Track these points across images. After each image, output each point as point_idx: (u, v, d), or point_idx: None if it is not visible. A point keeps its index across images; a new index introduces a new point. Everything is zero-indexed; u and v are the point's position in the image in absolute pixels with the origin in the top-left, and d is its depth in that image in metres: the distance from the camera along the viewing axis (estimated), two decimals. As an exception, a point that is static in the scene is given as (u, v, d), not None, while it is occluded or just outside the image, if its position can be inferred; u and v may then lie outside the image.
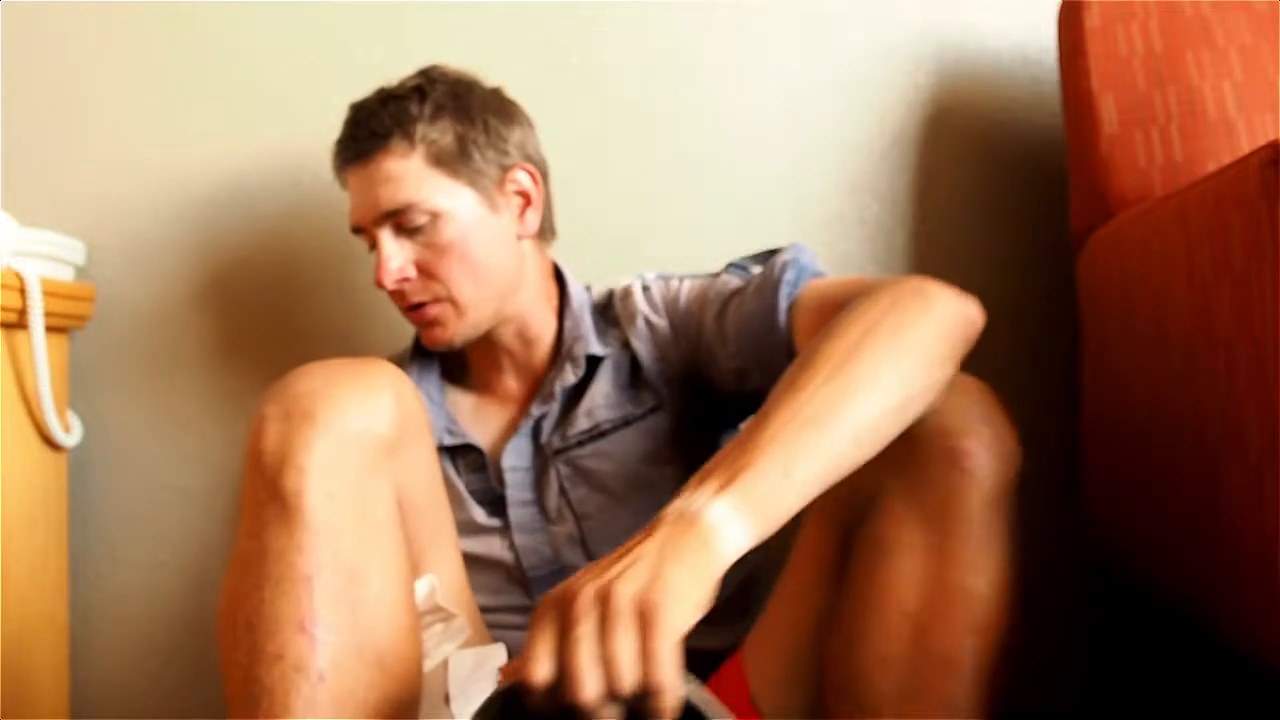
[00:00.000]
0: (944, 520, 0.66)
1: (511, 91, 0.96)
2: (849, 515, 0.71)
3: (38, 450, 1.05)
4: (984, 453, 0.66)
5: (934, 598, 0.66)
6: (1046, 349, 1.15)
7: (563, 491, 0.89)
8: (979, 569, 0.66)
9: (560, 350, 0.93)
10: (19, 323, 1.00)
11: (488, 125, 0.90)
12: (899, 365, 0.63)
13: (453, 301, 0.88)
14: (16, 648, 1.00)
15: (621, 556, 0.54)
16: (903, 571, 0.67)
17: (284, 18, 1.16)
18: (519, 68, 1.13)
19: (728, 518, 0.56)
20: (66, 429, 1.08)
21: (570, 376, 0.90)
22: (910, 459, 0.67)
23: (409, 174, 0.86)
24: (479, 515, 0.90)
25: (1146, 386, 0.82)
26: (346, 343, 1.15)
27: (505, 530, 0.89)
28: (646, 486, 0.88)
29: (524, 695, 0.51)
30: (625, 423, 0.89)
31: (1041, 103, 1.16)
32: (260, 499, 0.64)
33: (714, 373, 0.88)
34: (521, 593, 0.89)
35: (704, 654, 0.72)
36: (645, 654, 0.50)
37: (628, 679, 0.49)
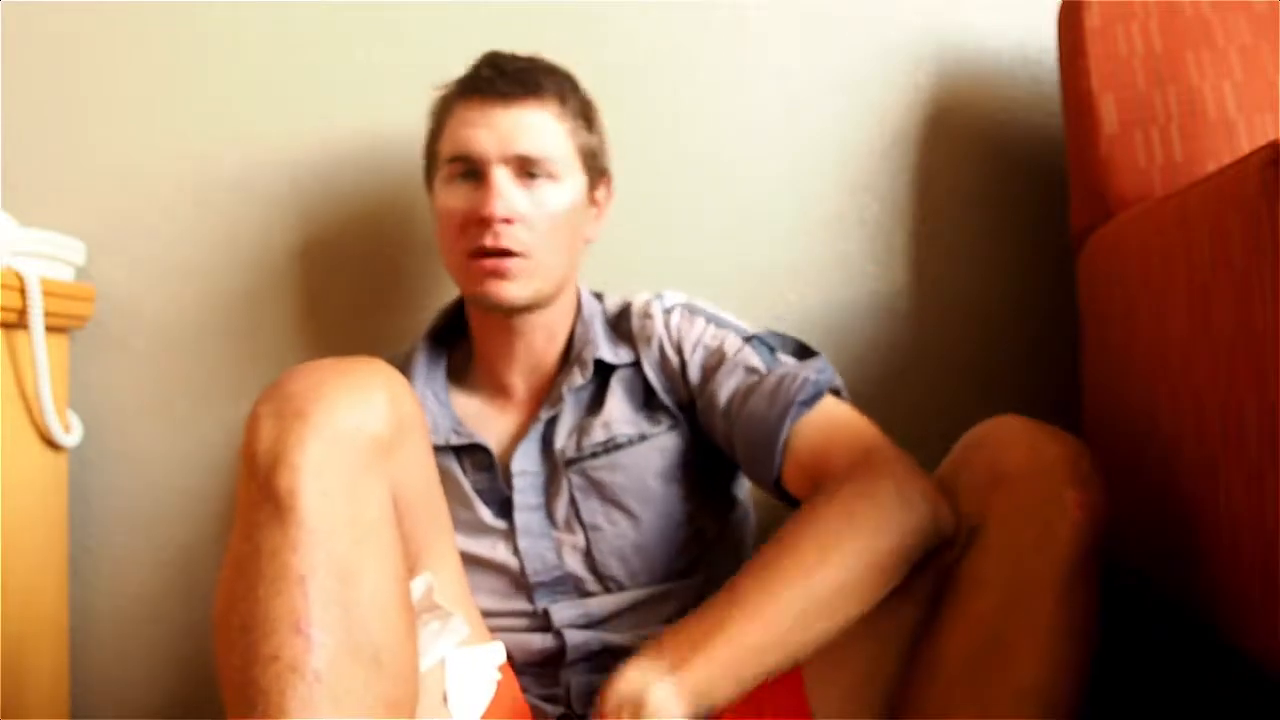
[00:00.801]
0: (1038, 562, 0.70)
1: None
2: (950, 547, 0.74)
3: (38, 450, 1.05)
4: (1083, 506, 0.70)
5: (1019, 633, 0.70)
6: (1046, 349, 1.15)
7: (573, 501, 0.89)
8: (1065, 610, 0.70)
9: (570, 354, 0.94)
10: (19, 323, 1.00)
11: (603, 134, 0.97)
12: (864, 583, 0.69)
13: (537, 259, 0.89)
14: (16, 648, 1.00)
15: None
16: (992, 604, 0.71)
17: (283, 18, 1.16)
18: (519, 68, 1.13)
19: (670, 700, 0.64)
20: (66, 429, 1.08)
21: (578, 378, 0.91)
22: (1013, 499, 0.71)
23: (557, 133, 0.90)
24: (485, 515, 0.90)
25: (1146, 386, 0.82)
26: (348, 342, 1.15)
27: (510, 533, 0.90)
28: (656, 502, 0.89)
29: None
30: (642, 438, 0.90)
31: (1041, 103, 1.16)
32: (254, 499, 0.64)
33: (710, 428, 0.90)
34: (525, 598, 0.89)
35: None
36: None
37: None
